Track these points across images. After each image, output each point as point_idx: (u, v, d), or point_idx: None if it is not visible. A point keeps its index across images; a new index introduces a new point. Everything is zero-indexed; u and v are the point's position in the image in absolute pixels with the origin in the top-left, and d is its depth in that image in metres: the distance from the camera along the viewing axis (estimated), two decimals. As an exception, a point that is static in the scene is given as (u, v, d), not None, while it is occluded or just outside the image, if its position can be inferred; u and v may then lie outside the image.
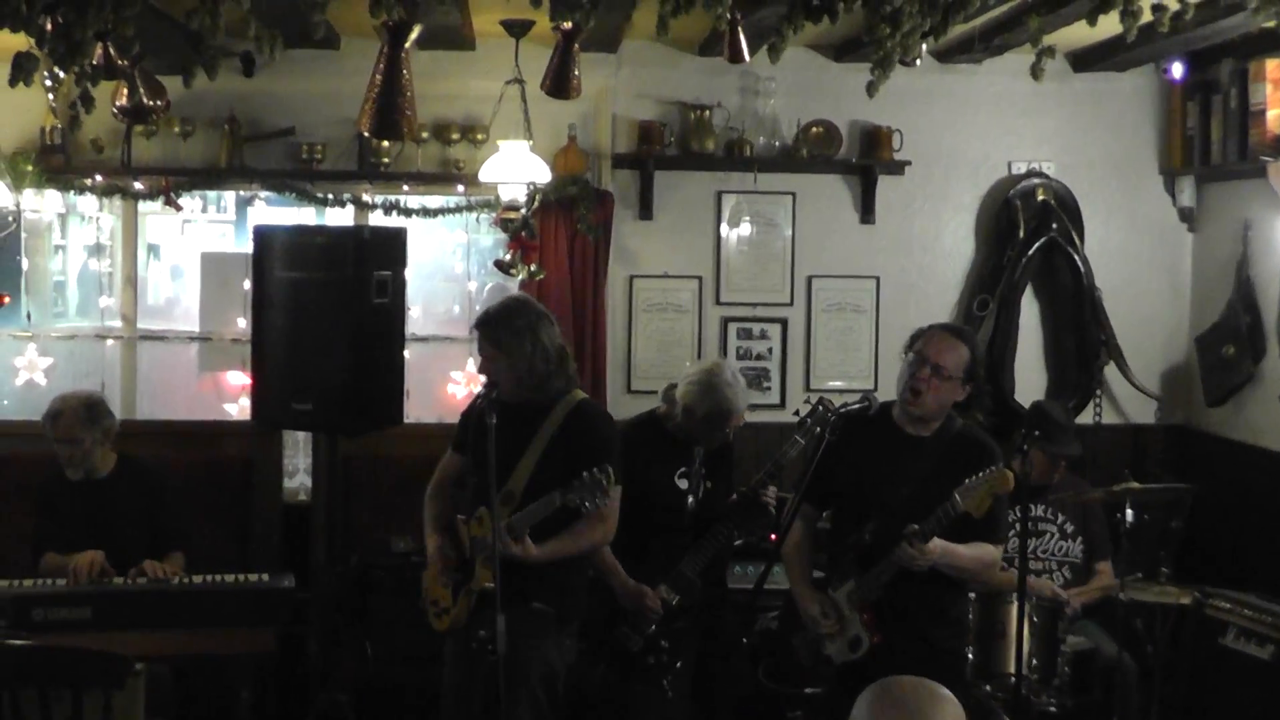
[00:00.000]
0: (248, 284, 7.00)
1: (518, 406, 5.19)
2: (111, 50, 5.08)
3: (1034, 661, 5.70)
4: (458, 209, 7.59)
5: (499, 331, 5.23)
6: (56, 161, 7.39)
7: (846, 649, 5.15)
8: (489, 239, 7.96)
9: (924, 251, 8.00)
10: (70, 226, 8.18)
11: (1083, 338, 7.92)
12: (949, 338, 5.18)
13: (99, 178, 7.42)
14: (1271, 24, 5.78)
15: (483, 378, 5.30)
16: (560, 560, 5.20)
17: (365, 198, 7.54)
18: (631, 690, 5.92)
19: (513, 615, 4.86)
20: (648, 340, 7.86)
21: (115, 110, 6.75)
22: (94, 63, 4.81)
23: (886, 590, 5.05)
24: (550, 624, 5.22)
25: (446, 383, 7.99)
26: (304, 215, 7.64)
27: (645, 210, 7.78)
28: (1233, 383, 7.53)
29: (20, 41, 4.53)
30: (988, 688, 5.62)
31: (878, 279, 7.98)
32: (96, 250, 8.03)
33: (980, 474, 4.87)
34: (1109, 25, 4.81)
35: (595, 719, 5.94)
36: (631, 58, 7.69)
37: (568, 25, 5.88)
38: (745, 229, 7.90)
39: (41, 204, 7.69)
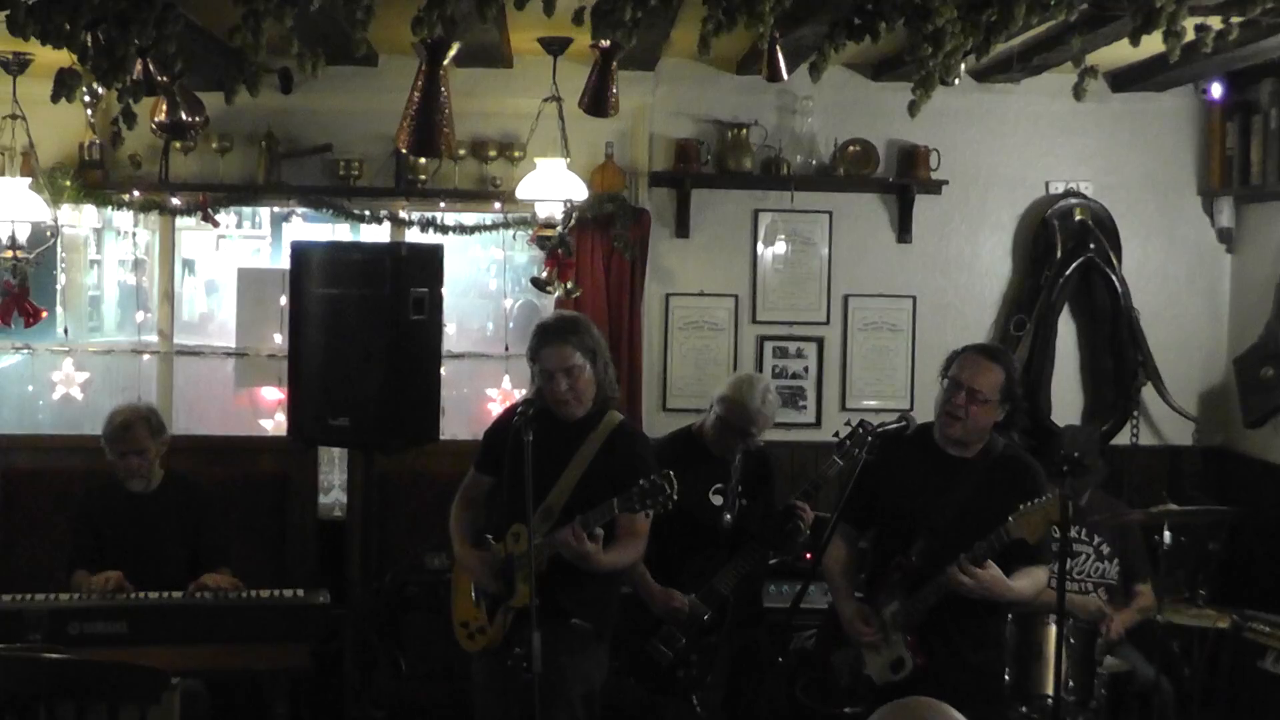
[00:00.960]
0: (284, 300, 7.02)
1: (554, 424, 5.17)
2: (151, 67, 5.10)
3: (1071, 683, 5.65)
4: (494, 226, 7.60)
5: (585, 338, 5.20)
6: (94, 177, 7.41)
7: (888, 670, 5.14)
8: (524, 256, 7.96)
9: (961, 271, 7.97)
10: (106, 242, 8.24)
11: (1120, 358, 7.88)
12: (983, 360, 5.17)
13: (136, 193, 7.44)
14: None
15: (515, 397, 5.27)
16: (598, 575, 5.18)
17: (402, 214, 7.55)
18: (661, 705, 5.90)
19: (552, 632, 4.85)
20: (683, 358, 7.85)
21: (154, 126, 6.80)
22: (134, 79, 4.82)
23: (931, 613, 5.04)
24: (589, 640, 5.21)
25: (482, 399, 7.99)
26: (340, 232, 7.67)
27: (682, 228, 7.77)
28: (1271, 404, 7.47)
29: (63, 58, 4.55)
30: (1024, 709, 5.57)
31: (914, 298, 7.95)
32: (133, 265, 8.06)
33: (1034, 501, 4.89)
34: (1149, 45, 4.78)
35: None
36: (669, 76, 7.69)
37: (606, 43, 5.89)
38: (781, 247, 7.88)
39: (79, 219, 7.72)
